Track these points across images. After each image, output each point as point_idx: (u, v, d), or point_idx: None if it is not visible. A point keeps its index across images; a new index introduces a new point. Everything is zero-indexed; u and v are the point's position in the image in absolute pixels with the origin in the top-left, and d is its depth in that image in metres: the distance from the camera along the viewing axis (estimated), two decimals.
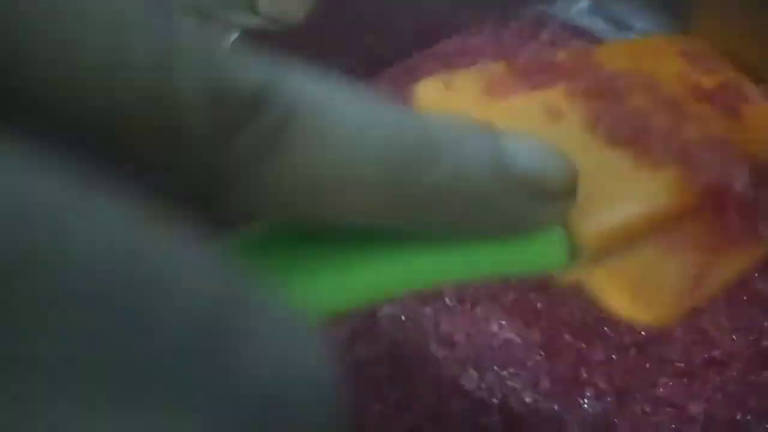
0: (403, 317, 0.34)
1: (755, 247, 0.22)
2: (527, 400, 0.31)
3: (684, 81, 0.26)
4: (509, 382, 0.31)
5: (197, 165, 0.12)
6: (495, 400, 0.31)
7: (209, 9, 0.36)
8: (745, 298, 0.31)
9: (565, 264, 0.18)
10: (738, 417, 0.29)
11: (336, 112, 0.14)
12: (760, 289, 0.31)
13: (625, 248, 0.20)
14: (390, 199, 0.14)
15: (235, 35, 0.35)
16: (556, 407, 0.30)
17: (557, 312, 0.32)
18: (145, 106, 0.11)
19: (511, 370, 0.31)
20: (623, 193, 0.20)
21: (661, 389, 0.30)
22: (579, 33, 0.39)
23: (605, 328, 0.31)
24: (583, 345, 0.31)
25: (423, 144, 0.14)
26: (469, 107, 0.23)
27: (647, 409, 0.29)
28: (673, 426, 0.29)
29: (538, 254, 0.18)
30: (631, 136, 0.21)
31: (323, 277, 0.15)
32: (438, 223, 0.15)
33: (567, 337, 0.32)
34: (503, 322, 0.32)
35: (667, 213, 0.20)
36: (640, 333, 0.31)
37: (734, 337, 0.30)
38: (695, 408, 0.29)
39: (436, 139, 0.15)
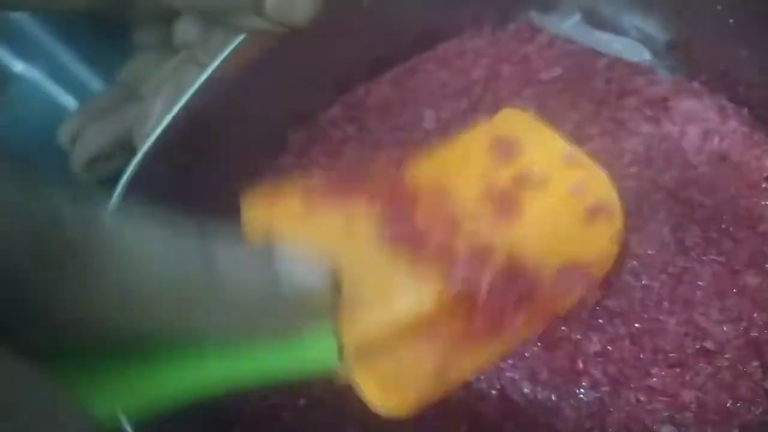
0: None
1: (499, 341, 0.26)
2: (525, 390, 0.32)
3: (480, 183, 0.30)
4: (508, 373, 0.32)
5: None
6: (494, 391, 0.32)
7: (216, 12, 0.37)
8: (735, 290, 0.32)
9: (337, 363, 0.22)
10: (728, 404, 0.30)
11: (135, 253, 0.17)
12: (749, 282, 0.32)
13: (383, 347, 0.24)
14: (175, 316, 0.18)
15: (241, 37, 0.36)
16: (553, 397, 0.31)
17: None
18: None
19: (510, 361, 0.32)
20: (385, 300, 0.24)
21: (654, 379, 0.31)
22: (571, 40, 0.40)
23: (600, 320, 0.33)
24: (579, 337, 0.32)
25: (204, 280, 0.18)
26: (288, 221, 0.26)
27: (641, 398, 0.31)
28: (667, 413, 0.30)
29: (312, 356, 0.22)
30: (407, 241, 0.26)
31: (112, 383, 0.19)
32: (221, 327, 0.19)
33: (564, 329, 0.33)
34: None
35: (419, 317, 0.24)
36: (635, 325, 0.32)
37: (725, 328, 0.31)
38: (687, 396, 0.30)
39: (215, 261, 0.18)
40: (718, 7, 0.35)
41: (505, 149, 0.31)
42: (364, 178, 0.28)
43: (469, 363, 0.26)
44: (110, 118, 0.39)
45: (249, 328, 0.20)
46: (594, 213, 0.30)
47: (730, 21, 0.35)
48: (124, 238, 0.17)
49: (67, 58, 0.47)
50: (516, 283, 0.26)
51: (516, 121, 0.33)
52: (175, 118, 0.35)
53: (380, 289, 0.24)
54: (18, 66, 0.47)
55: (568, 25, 0.39)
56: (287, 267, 0.20)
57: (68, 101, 0.48)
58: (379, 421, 0.33)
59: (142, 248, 0.17)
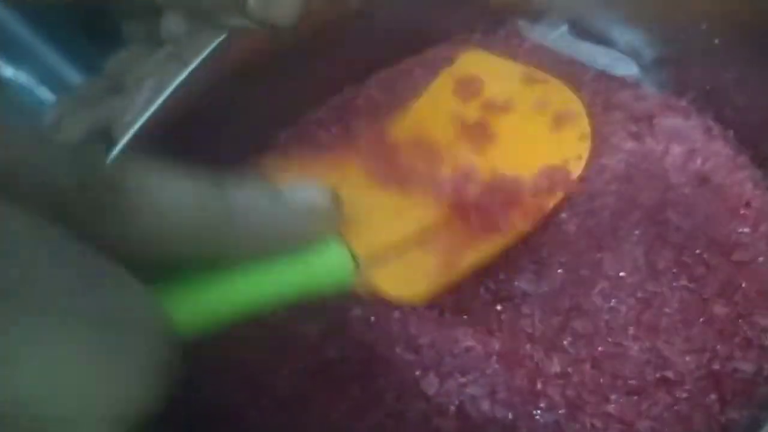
0: (372, 319, 0.35)
1: (489, 240, 0.30)
2: (484, 407, 0.32)
3: (453, 124, 0.34)
4: (467, 389, 0.32)
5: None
6: (452, 407, 0.32)
7: (199, 10, 0.37)
8: (702, 320, 0.32)
9: (353, 274, 0.25)
10: None
11: (161, 191, 0.19)
12: (717, 312, 0.32)
13: (394, 254, 0.27)
14: (200, 235, 0.20)
15: (222, 36, 0.36)
16: (510, 416, 0.31)
17: (519, 323, 0.33)
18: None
19: (470, 377, 0.32)
20: (387, 216, 0.29)
21: (612, 405, 0.31)
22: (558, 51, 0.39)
23: (564, 342, 0.32)
24: (542, 357, 0.32)
25: (217, 194, 0.21)
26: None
27: (597, 424, 0.30)
28: None
29: (329, 269, 0.24)
30: (396, 181, 0.30)
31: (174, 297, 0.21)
32: (240, 247, 0.21)
33: (527, 348, 0.33)
34: (467, 330, 0.33)
35: (423, 228, 0.29)
36: (598, 348, 0.32)
37: (687, 358, 0.31)
38: (643, 426, 0.30)
39: (228, 192, 0.21)
40: (704, 26, 0.34)
41: (468, 88, 0.35)
42: (349, 142, 0.33)
43: (471, 256, 0.30)
44: (91, 109, 0.39)
45: (266, 248, 0.22)
46: (560, 120, 0.34)
47: (716, 41, 0.34)
48: (151, 176, 0.19)
49: (56, 61, 0.48)
50: (501, 189, 0.31)
51: (474, 61, 0.37)
52: (155, 113, 0.36)
53: (382, 215, 0.29)
54: (8, 71, 0.48)
55: (555, 36, 0.38)
56: (292, 190, 0.23)
57: None
58: (342, 417, 0.34)
59: (169, 186, 0.20)
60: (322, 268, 0.24)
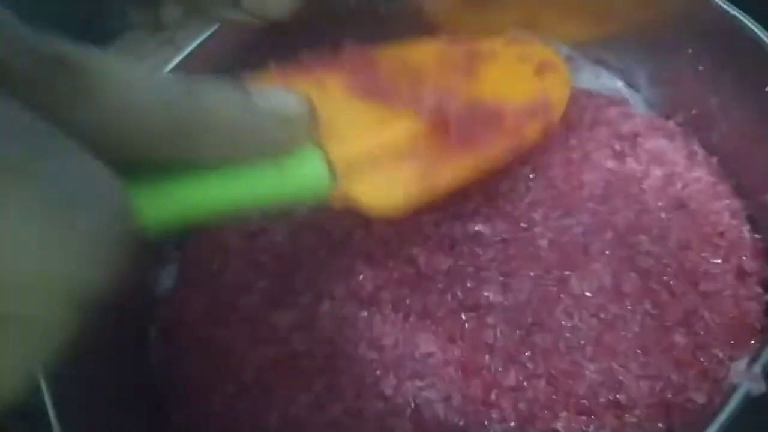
0: (341, 316, 0.35)
1: (470, 156, 0.31)
2: (438, 412, 0.32)
3: (440, 55, 0.35)
4: (424, 393, 0.33)
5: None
6: (409, 408, 0.33)
7: (196, 2, 0.37)
8: (660, 347, 0.32)
9: (330, 184, 0.25)
10: None
11: (123, 73, 0.19)
12: (676, 342, 0.32)
13: (372, 164, 0.27)
14: (166, 124, 0.19)
15: (215, 27, 0.37)
16: (461, 423, 0.32)
17: (482, 333, 0.33)
18: None
19: (428, 381, 0.33)
20: (366, 127, 0.29)
21: (560, 423, 0.31)
22: None
23: (523, 356, 0.33)
24: (500, 369, 0.33)
25: (185, 90, 0.20)
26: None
27: None
28: None
29: (305, 176, 0.24)
30: (377, 95, 0.30)
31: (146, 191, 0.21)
32: (211, 148, 0.21)
33: (486, 358, 0.33)
34: (430, 336, 0.34)
35: (402, 139, 0.29)
36: (555, 365, 0.32)
37: (641, 384, 0.31)
38: None
39: (197, 90, 0.20)
40: (690, 51, 0.33)
41: (454, 37, 0.36)
42: (331, 57, 0.31)
43: (450, 172, 0.31)
44: None
45: (239, 152, 0.22)
46: (542, 68, 0.36)
47: (700, 68, 0.33)
48: (114, 65, 0.19)
49: None
50: (482, 109, 0.32)
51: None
52: None
53: (359, 124, 0.29)
54: None
55: None
56: (264, 94, 0.22)
57: None
58: (302, 410, 0.35)
59: (134, 76, 0.19)
60: (297, 174, 0.24)
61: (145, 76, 0.19)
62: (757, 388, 0.24)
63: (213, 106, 0.20)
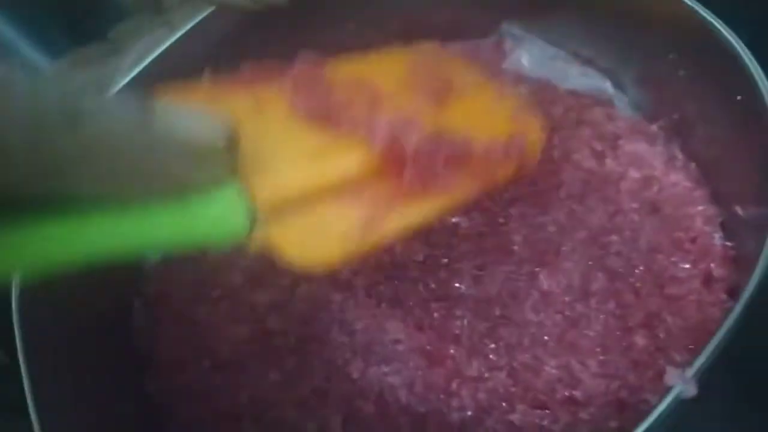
0: (316, 298, 0.36)
1: (431, 200, 0.26)
2: (401, 397, 0.33)
3: (405, 78, 0.30)
4: (388, 378, 0.34)
5: None
6: (373, 392, 0.34)
7: None
8: (620, 347, 0.32)
9: (247, 227, 0.21)
10: None
11: None
12: (636, 342, 0.32)
13: (300, 206, 0.23)
14: (34, 160, 0.15)
15: (209, 10, 0.37)
16: (422, 409, 0.33)
17: (450, 324, 0.34)
18: None
19: (393, 367, 0.34)
20: (305, 157, 0.24)
21: (516, 415, 0.32)
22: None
23: (488, 348, 0.33)
24: (463, 359, 0.33)
25: (60, 109, 0.16)
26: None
27: (499, 430, 0.32)
28: None
29: (216, 219, 0.20)
30: (325, 118, 0.25)
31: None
32: (93, 182, 0.17)
33: (451, 349, 0.34)
34: (399, 324, 0.35)
35: (345, 177, 0.24)
36: (517, 358, 0.33)
37: (597, 381, 0.32)
38: None
39: (74, 106, 0.16)
40: (671, 56, 0.33)
41: (427, 69, 0.32)
42: (276, 70, 0.27)
43: (398, 219, 0.25)
44: (91, 68, 0.41)
45: (128, 187, 0.18)
46: (518, 113, 0.32)
47: (680, 73, 0.33)
48: None
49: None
50: (445, 146, 0.26)
51: (437, 53, 0.34)
52: (140, 74, 0.37)
53: (296, 154, 0.24)
54: None
55: (535, 51, 0.38)
56: (168, 115, 0.18)
57: None
58: (273, 387, 0.36)
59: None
60: (206, 214, 0.20)
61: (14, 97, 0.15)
62: (689, 391, 0.24)
63: (104, 128, 0.16)
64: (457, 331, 0.34)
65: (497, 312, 0.34)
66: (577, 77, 0.38)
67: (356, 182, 0.25)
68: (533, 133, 0.31)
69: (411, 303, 0.35)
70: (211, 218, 0.20)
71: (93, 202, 0.18)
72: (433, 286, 0.35)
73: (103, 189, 0.17)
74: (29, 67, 0.43)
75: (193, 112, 0.19)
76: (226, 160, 0.19)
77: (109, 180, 0.17)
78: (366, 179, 0.25)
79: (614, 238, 0.34)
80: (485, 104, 0.32)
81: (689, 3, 0.32)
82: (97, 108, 0.17)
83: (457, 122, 0.29)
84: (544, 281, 0.34)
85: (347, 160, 0.25)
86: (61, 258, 0.18)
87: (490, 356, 0.33)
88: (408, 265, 0.36)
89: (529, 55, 0.39)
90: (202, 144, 0.18)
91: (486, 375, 0.33)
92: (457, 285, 0.35)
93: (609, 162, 0.36)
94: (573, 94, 0.38)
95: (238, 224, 0.21)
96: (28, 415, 0.28)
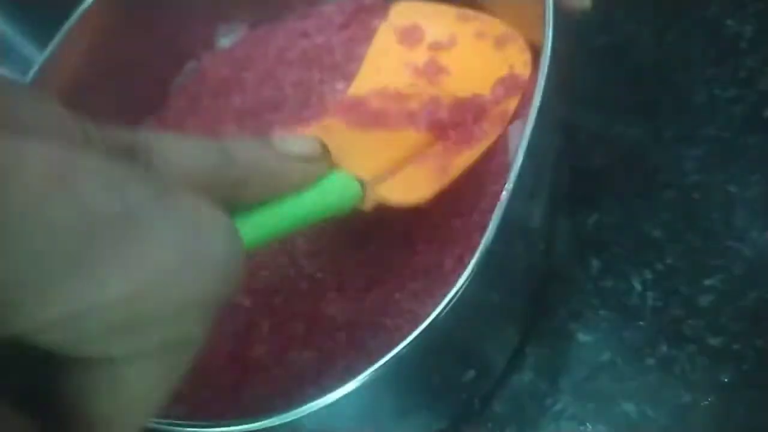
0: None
1: (474, 146, 0.36)
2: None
3: (405, 67, 0.41)
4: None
5: None
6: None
7: None
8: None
9: (360, 193, 0.30)
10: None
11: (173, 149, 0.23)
12: None
13: (392, 172, 0.33)
14: (216, 186, 0.24)
15: None
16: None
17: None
18: None
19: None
20: (380, 150, 0.34)
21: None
22: None
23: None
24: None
25: (227, 161, 0.25)
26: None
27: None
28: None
29: (339, 193, 0.30)
30: (374, 124, 0.35)
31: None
32: (256, 195, 0.26)
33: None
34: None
35: (410, 151, 0.34)
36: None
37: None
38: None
39: (234, 153, 0.25)
40: None
41: (410, 36, 0.42)
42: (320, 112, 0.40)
43: (459, 162, 0.35)
44: None
45: (277, 189, 0.27)
46: (501, 41, 0.40)
47: None
48: (164, 140, 0.24)
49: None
50: (467, 107, 0.37)
51: (408, 11, 0.43)
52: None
53: (371, 147, 0.34)
54: None
55: None
56: (283, 141, 0.27)
57: None
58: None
59: (181, 147, 0.24)
60: (332, 192, 0.29)
61: (190, 146, 0.24)
62: None
63: (242, 157, 0.25)
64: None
65: None
66: None
67: (419, 151, 0.35)
68: (519, 54, 0.39)
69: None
70: (336, 192, 0.29)
71: (260, 203, 0.27)
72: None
73: (263, 196, 0.27)
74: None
75: (294, 135, 0.30)
76: (325, 157, 0.29)
77: (265, 190, 0.27)
78: (425, 147, 0.35)
79: None
80: (472, 48, 0.41)
81: None
82: (241, 145, 0.27)
83: (462, 85, 0.39)
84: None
85: (406, 141, 0.35)
86: (265, 235, 0.27)
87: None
88: None
89: None
90: (308, 151, 0.28)
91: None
92: None
93: None
94: None
95: (353, 191, 0.30)
96: None
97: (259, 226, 0.26)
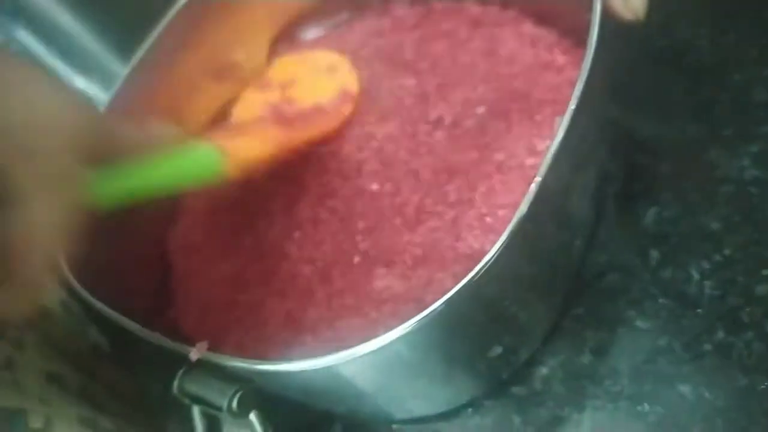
0: None
1: (312, 131, 0.47)
2: None
3: (264, 105, 0.54)
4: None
5: None
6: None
7: None
8: None
9: (222, 165, 0.37)
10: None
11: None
12: None
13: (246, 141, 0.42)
14: (97, 152, 0.31)
15: None
16: None
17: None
18: None
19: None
20: (239, 132, 0.45)
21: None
22: None
23: None
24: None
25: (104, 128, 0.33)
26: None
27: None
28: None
29: (199, 161, 0.37)
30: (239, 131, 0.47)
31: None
32: (126, 157, 0.33)
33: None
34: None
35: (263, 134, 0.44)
36: None
37: None
38: None
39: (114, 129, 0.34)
40: None
41: (266, 85, 0.54)
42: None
43: (299, 138, 0.46)
44: None
45: (140, 152, 0.33)
46: (331, 68, 0.52)
47: None
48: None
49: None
50: (310, 107, 0.49)
51: (286, 66, 0.56)
52: None
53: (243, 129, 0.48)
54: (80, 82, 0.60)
55: None
56: (149, 126, 0.35)
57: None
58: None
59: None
60: (193, 160, 0.36)
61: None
62: None
63: (122, 139, 0.33)
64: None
65: None
66: None
67: (270, 132, 0.45)
68: (348, 76, 0.51)
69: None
70: (194, 160, 0.36)
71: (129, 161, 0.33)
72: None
73: (126, 153, 0.34)
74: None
75: (156, 124, 0.36)
76: (177, 135, 0.37)
77: (126, 149, 0.34)
78: (275, 130, 0.46)
79: None
80: (312, 77, 0.53)
81: None
82: (119, 126, 0.35)
83: (307, 97, 0.51)
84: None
85: (261, 129, 0.46)
86: (123, 193, 0.33)
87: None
88: None
89: None
90: (165, 132, 0.36)
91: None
92: None
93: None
94: None
95: (212, 159, 0.37)
96: None
97: (121, 180, 0.32)
